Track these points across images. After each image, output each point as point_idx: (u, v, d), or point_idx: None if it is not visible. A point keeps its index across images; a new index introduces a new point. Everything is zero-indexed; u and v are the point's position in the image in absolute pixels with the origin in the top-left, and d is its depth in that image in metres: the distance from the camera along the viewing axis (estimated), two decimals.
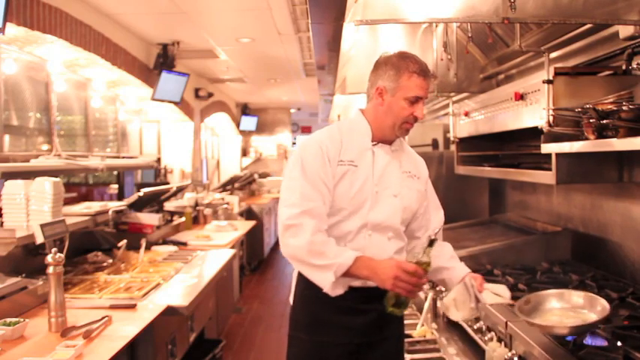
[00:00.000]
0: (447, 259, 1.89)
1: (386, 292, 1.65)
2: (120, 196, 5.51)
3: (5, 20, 2.80)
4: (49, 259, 2.09)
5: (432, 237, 1.71)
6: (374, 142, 1.84)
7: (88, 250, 3.33)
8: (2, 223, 2.72)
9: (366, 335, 1.79)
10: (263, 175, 10.02)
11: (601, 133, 1.68)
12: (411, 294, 1.63)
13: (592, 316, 1.55)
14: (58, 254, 2.12)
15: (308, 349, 1.81)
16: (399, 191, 1.82)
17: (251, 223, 5.70)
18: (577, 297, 1.66)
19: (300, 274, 1.83)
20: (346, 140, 1.83)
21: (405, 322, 2.44)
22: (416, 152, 2.02)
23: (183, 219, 4.82)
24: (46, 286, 2.21)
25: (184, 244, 3.97)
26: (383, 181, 1.81)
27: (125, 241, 3.34)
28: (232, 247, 4.09)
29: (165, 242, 3.99)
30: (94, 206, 3.58)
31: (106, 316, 2.15)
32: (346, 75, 3.66)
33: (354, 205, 1.77)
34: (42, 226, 2.45)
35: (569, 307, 1.64)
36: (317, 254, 1.66)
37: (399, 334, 1.91)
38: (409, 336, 2.27)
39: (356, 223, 1.77)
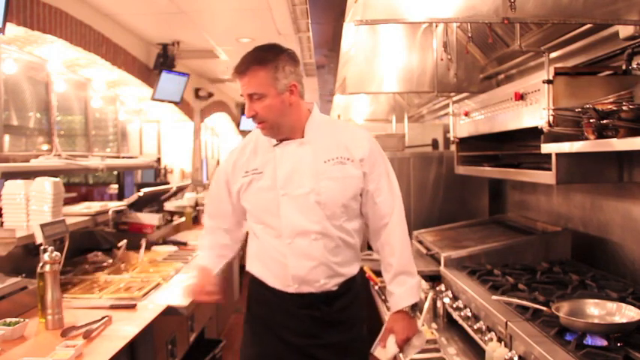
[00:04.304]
0: (391, 278, 1.83)
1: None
2: (120, 196, 5.51)
3: (5, 20, 2.80)
4: (45, 257, 2.10)
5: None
6: (276, 142, 1.78)
7: (88, 250, 3.33)
8: (2, 223, 2.72)
9: (305, 337, 1.78)
10: None
11: (601, 133, 1.68)
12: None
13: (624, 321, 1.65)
14: (55, 252, 2.13)
15: (253, 344, 1.88)
16: (313, 187, 1.72)
17: None
18: (610, 304, 1.74)
19: (250, 273, 1.90)
20: (257, 146, 1.83)
21: None
22: (364, 132, 1.87)
23: (183, 219, 4.82)
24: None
25: (184, 244, 3.97)
26: (293, 181, 1.73)
27: (125, 241, 3.34)
28: None
29: (165, 242, 3.98)
30: (94, 206, 3.58)
31: (106, 316, 2.15)
32: (346, 75, 3.66)
33: (264, 213, 1.77)
34: (42, 226, 2.46)
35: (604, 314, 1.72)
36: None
37: (347, 338, 1.82)
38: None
39: (272, 232, 1.77)
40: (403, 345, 1.81)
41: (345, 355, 1.82)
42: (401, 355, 1.85)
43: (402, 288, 1.82)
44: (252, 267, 1.89)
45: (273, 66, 1.68)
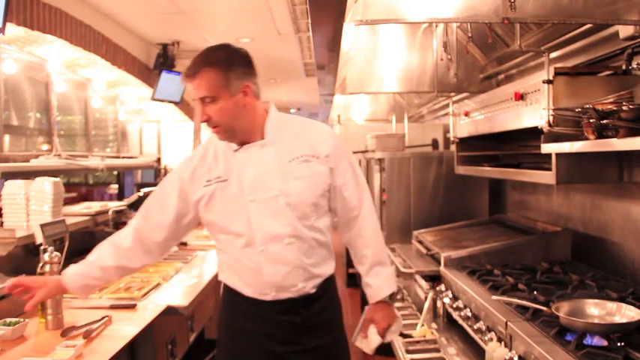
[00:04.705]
0: (367, 270, 1.82)
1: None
2: (120, 196, 5.52)
3: (5, 20, 2.80)
4: (45, 257, 2.11)
5: None
6: (237, 147, 1.71)
7: (88, 250, 3.30)
8: (2, 223, 2.72)
9: (286, 344, 1.73)
10: None
11: (601, 133, 1.68)
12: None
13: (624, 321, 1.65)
14: (55, 252, 2.13)
15: (229, 355, 1.82)
16: (281, 188, 1.67)
17: None
18: (610, 304, 1.75)
19: (224, 283, 1.83)
20: (217, 153, 1.75)
21: (405, 322, 2.46)
22: (324, 129, 1.81)
23: None
24: None
25: (184, 244, 3.97)
26: (260, 185, 1.67)
27: None
28: None
29: None
30: (94, 206, 3.58)
31: (106, 316, 2.15)
32: (346, 75, 3.67)
33: (232, 223, 1.70)
34: (42, 226, 2.46)
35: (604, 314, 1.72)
36: None
37: (328, 342, 1.79)
38: (409, 336, 2.27)
39: (241, 241, 1.70)
40: (385, 333, 1.83)
41: (328, 359, 1.79)
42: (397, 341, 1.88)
43: (379, 279, 1.82)
44: (225, 278, 1.82)
45: (224, 67, 1.60)
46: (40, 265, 2.12)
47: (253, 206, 1.67)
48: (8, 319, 2.02)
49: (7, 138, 3.50)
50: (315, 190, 1.71)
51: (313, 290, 1.75)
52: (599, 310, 1.73)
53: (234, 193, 1.70)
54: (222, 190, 1.71)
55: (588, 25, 2.07)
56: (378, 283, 1.82)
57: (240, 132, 1.69)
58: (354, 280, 5.33)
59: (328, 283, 1.81)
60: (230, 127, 1.66)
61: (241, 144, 1.71)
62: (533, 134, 2.12)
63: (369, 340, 1.82)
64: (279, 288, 1.71)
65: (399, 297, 2.82)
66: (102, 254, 1.86)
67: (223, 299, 1.86)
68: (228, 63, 1.61)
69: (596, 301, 1.77)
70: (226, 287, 1.83)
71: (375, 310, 1.83)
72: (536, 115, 2.11)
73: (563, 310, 1.70)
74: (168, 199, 1.79)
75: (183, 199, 1.77)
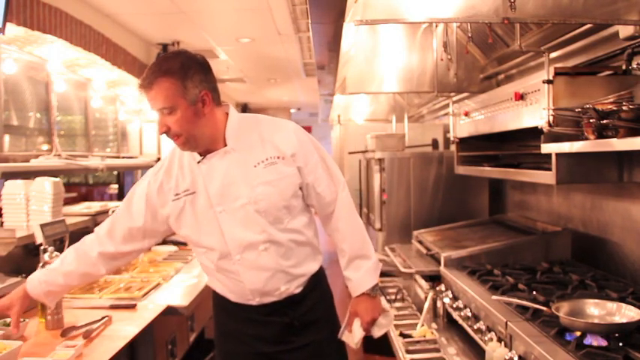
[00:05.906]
0: (346, 264, 1.79)
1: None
2: (120, 196, 5.51)
3: (5, 20, 2.80)
4: (45, 257, 2.11)
5: None
6: (200, 157, 1.67)
7: None
8: (2, 223, 2.72)
9: (277, 344, 1.74)
10: None
11: (601, 133, 1.68)
12: None
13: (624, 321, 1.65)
14: (55, 252, 2.14)
15: (223, 356, 1.84)
16: (249, 195, 1.63)
17: None
18: (610, 304, 1.74)
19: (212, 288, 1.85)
20: (182, 164, 1.72)
21: (405, 322, 2.46)
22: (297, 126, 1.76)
23: None
24: None
25: (184, 244, 3.97)
26: (227, 194, 1.64)
27: None
28: None
29: (165, 242, 3.98)
30: (94, 206, 3.58)
31: (106, 316, 2.15)
32: (346, 75, 3.67)
33: (205, 235, 1.69)
34: (42, 226, 2.46)
35: (604, 314, 1.72)
36: None
37: (320, 338, 1.79)
38: (409, 336, 2.27)
39: (216, 254, 1.69)
40: (369, 327, 1.79)
41: (320, 355, 1.78)
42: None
43: (358, 273, 1.78)
44: (211, 284, 1.84)
45: (180, 76, 1.54)
46: (40, 265, 2.12)
47: (223, 217, 1.65)
48: (8, 319, 2.02)
49: (7, 138, 3.50)
50: (284, 193, 1.66)
51: (298, 290, 1.74)
52: (599, 310, 1.73)
53: (203, 205, 1.67)
54: (191, 203, 1.68)
55: (588, 25, 2.07)
56: (358, 277, 1.78)
57: (202, 141, 1.63)
58: None
59: (315, 280, 1.80)
60: (191, 137, 1.60)
61: (205, 153, 1.67)
62: (533, 134, 2.12)
63: (353, 334, 1.79)
64: (263, 293, 1.71)
65: (399, 297, 2.81)
66: (65, 261, 1.85)
67: (213, 302, 1.88)
68: (184, 71, 1.55)
69: (596, 301, 1.77)
70: (215, 293, 1.85)
71: (358, 302, 1.79)
72: (536, 115, 2.11)
73: (563, 310, 1.70)
74: (136, 212, 1.77)
75: (152, 213, 1.76)
